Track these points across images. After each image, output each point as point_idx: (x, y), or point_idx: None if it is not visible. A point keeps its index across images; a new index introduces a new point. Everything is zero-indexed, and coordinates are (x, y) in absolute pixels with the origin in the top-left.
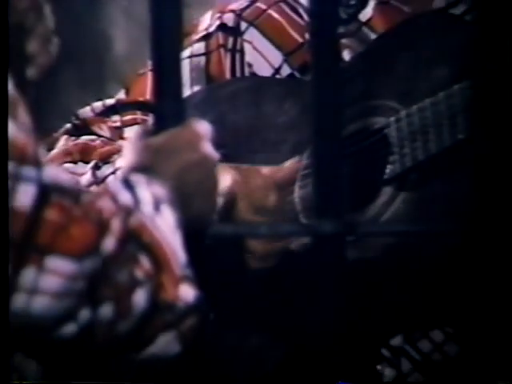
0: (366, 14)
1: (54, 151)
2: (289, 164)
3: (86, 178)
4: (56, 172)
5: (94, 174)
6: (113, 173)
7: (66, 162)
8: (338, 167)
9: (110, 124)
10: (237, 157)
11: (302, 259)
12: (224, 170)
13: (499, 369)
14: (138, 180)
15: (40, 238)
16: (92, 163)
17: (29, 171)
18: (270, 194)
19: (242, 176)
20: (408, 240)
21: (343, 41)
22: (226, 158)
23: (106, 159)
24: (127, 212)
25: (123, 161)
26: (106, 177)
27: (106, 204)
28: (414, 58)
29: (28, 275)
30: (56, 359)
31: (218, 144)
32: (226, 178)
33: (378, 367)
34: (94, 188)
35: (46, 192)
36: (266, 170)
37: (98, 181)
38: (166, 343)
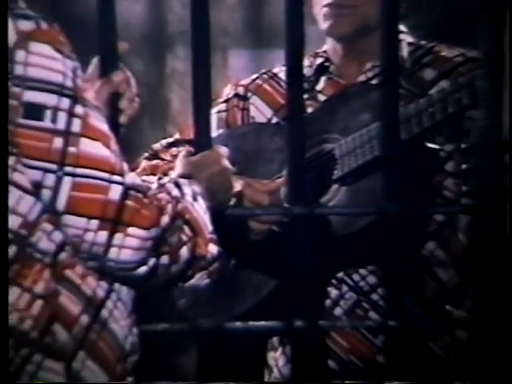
0: (320, 85)
1: (138, 170)
2: (277, 180)
3: (154, 185)
4: (133, 178)
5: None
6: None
7: (144, 175)
8: (304, 173)
9: (171, 153)
10: (246, 169)
11: (283, 229)
12: (237, 181)
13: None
14: (184, 182)
15: (124, 216)
16: (157, 177)
17: (117, 178)
18: (264, 197)
19: (248, 186)
20: (346, 216)
21: (307, 102)
22: (240, 170)
23: (165, 173)
24: (176, 201)
25: (175, 171)
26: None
27: (163, 196)
28: (348, 110)
29: (118, 238)
30: (137, 287)
31: (234, 162)
32: (237, 184)
33: (328, 288)
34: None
35: (127, 190)
36: (264, 182)
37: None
38: (200, 279)
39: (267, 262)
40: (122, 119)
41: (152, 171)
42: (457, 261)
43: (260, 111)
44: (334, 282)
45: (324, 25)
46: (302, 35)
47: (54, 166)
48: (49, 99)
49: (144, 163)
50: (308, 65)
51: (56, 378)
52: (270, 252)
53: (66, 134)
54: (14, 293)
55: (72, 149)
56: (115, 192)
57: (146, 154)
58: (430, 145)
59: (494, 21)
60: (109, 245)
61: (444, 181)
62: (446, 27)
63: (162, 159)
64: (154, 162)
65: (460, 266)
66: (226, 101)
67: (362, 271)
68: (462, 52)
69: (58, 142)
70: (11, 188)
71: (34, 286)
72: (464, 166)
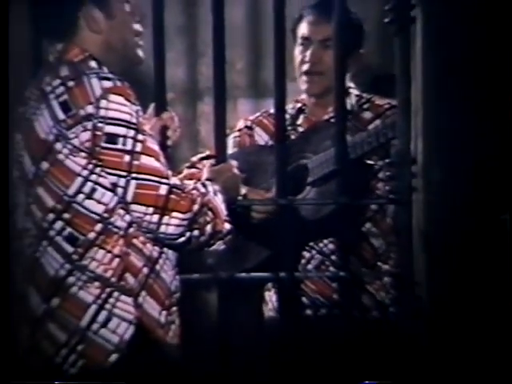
0: (299, 121)
1: (181, 175)
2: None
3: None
4: (175, 180)
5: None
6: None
7: (185, 180)
8: (288, 178)
9: (203, 164)
10: (249, 176)
11: (274, 215)
12: (244, 188)
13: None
14: (208, 183)
15: (169, 205)
16: (193, 181)
17: (164, 180)
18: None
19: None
20: (315, 206)
21: (290, 132)
22: (247, 177)
23: (198, 179)
24: (203, 195)
25: (203, 176)
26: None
27: (195, 192)
28: (317, 138)
29: (165, 219)
30: (179, 250)
31: (243, 171)
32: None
33: (303, 252)
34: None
35: (171, 188)
36: (261, 191)
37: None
38: (219, 245)
39: (263, 236)
40: (169, 143)
41: (190, 177)
42: (385, 234)
43: (261, 137)
44: (306, 248)
45: (302, 86)
46: (285, 89)
47: (124, 173)
48: (120, 131)
49: (185, 171)
50: (291, 107)
51: (128, 307)
52: (265, 229)
53: (132, 153)
54: (100, 253)
55: (136, 162)
56: (163, 189)
57: (187, 164)
58: (368, 161)
59: (404, 82)
60: (160, 223)
61: (377, 184)
62: (379, 84)
63: (197, 168)
64: (191, 171)
65: (387, 237)
66: (239, 130)
67: (325, 241)
68: (389, 101)
69: (127, 158)
70: (98, 187)
71: (113, 249)
72: (388, 174)
